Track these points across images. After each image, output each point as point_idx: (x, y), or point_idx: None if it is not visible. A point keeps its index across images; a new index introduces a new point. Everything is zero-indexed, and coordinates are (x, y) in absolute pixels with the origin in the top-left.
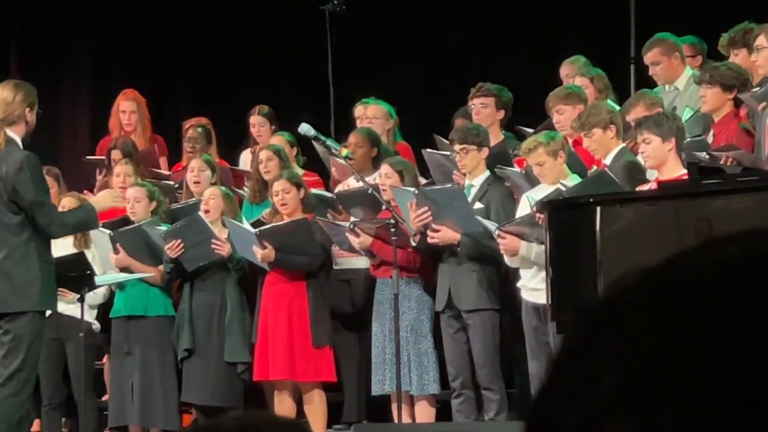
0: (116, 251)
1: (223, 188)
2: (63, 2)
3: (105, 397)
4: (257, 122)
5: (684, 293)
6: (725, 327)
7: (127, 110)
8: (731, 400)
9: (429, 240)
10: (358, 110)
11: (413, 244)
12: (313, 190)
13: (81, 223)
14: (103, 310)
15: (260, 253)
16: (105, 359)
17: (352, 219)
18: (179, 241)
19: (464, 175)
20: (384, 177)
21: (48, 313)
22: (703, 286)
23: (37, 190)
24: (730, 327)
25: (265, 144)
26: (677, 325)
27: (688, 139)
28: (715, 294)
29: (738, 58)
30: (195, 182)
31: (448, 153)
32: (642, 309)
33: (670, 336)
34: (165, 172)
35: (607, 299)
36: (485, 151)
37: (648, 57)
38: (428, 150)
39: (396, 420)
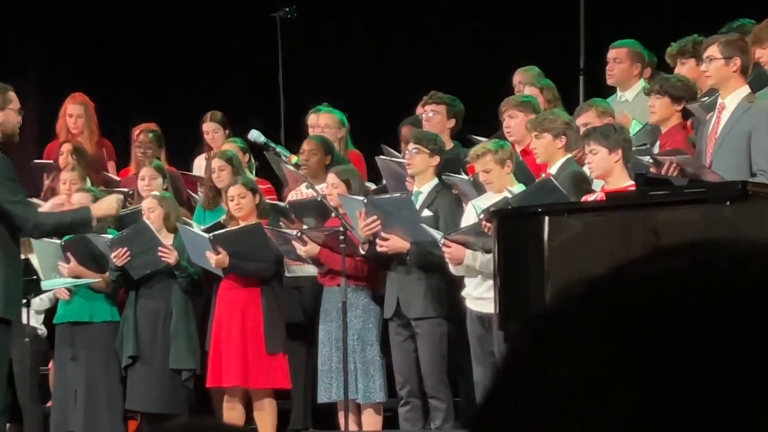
0: (67, 260)
1: (159, 193)
2: (11, 4)
3: (49, 403)
4: (210, 129)
5: (629, 304)
6: (670, 339)
7: (74, 114)
8: (675, 413)
9: (378, 248)
10: (311, 118)
11: (362, 252)
12: (266, 200)
13: (66, 225)
14: (49, 315)
15: (214, 259)
16: (50, 365)
17: (304, 227)
18: (125, 249)
19: (411, 178)
20: (330, 186)
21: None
22: (648, 298)
23: (8, 191)
24: (675, 339)
25: (219, 150)
26: (622, 336)
27: (635, 148)
28: (660, 305)
29: (685, 68)
30: (147, 191)
31: (401, 160)
32: (587, 320)
33: (614, 347)
34: (115, 177)
35: (552, 309)
36: (436, 159)
37: (614, 52)
38: (382, 157)
39: (342, 428)
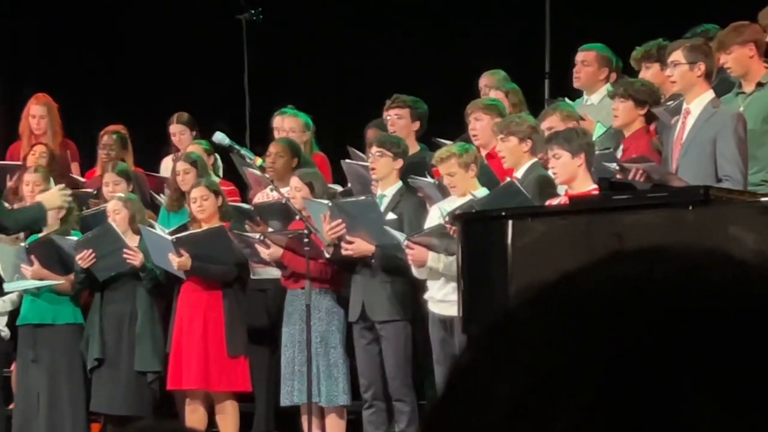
0: (31, 263)
1: (123, 195)
2: None
3: (11, 406)
4: (177, 130)
5: (580, 310)
6: (620, 344)
7: (37, 115)
8: (622, 419)
9: (343, 252)
10: (276, 121)
11: (327, 255)
12: (231, 203)
13: (27, 221)
14: (13, 317)
15: (176, 261)
16: (13, 367)
17: (269, 230)
18: (90, 251)
19: (376, 181)
20: (294, 189)
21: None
22: (599, 304)
23: None
24: (625, 344)
25: (184, 152)
26: (572, 341)
27: (598, 152)
28: (610, 311)
29: (649, 72)
30: (111, 197)
31: (366, 164)
32: (538, 325)
33: (564, 353)
34: (80, 178)
35: (505, 313)
36: (400, 162)
37: (582, 55)
38: (347, 161)
39: (306, 431)
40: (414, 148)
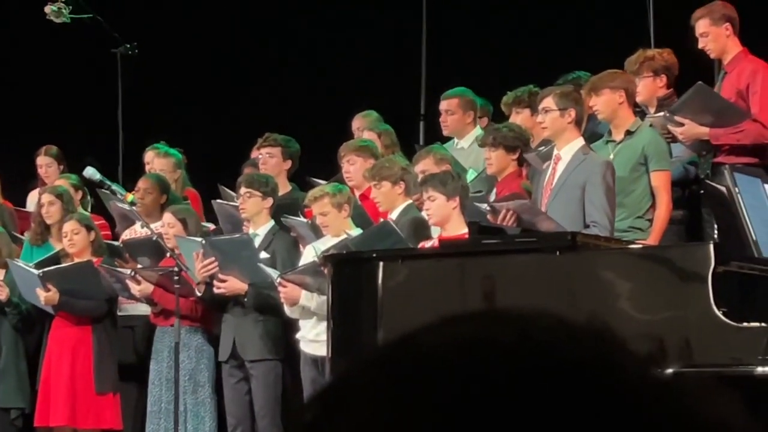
0: None
1: None
2: None
3: None
4: (44, 162)
5: (416, 373)
6: (455, 408)
7: None
8: None
9: (215, 290)
10: (148, 156)
11: (198, 294)
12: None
13: None
14: None
15: (43, 296)
16: None
17: (138, 266)
18: None
19: (247, 221)
20: (167, 226)
21: None
22: (435, 367)
23: None
24: (460, 408)
25: (49, 185)
26: (407, 404)
27: (470, 195)
28: (446, 375)
29: (519, 117)
30: None
31: (237, 204)
32: (374, 387)
33: (398, 415)
34: None
35: (341, 377)
36: (269, 201)
37: (445, 104)
38: (218, 201)
39: None
40: (286, 187)
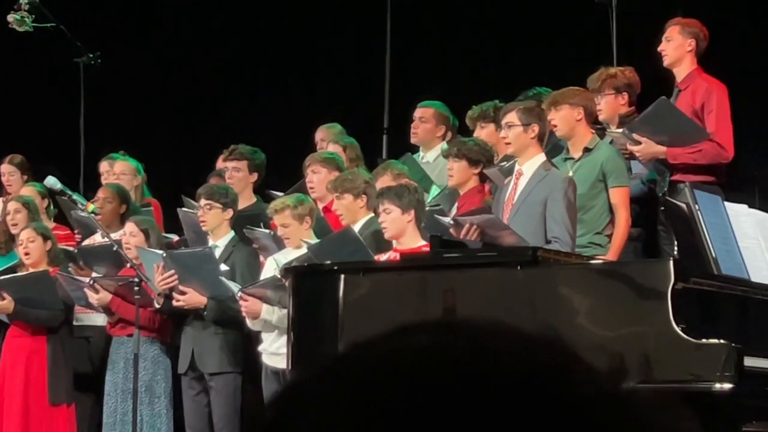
0: None
1: None
2: None
3: None
4: (7, 171)
5: (368, 382)
6: (406, 417)
7: None
8: None
9: (175, 303)
10: (103, 166)
11: (157, 306)
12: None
13: None
14: None
15: None
16: None
17: (94, 275)
18: None
19: (207, 233)
20: (129, 235)
21: None
22: (387, 376)
23: None
24: (411, 417)
25: (15, 194)
26: (358, 413)
27: (429, 209)
28: (398, 384)
29: (484, 132)
30: None
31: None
32: (325, 396)
33: (350, 425)
34: None
35: (294, 385)
36: (230, 213)
37: (421, 111)
38: (183, 209)
39: None
40: (251, 199)
